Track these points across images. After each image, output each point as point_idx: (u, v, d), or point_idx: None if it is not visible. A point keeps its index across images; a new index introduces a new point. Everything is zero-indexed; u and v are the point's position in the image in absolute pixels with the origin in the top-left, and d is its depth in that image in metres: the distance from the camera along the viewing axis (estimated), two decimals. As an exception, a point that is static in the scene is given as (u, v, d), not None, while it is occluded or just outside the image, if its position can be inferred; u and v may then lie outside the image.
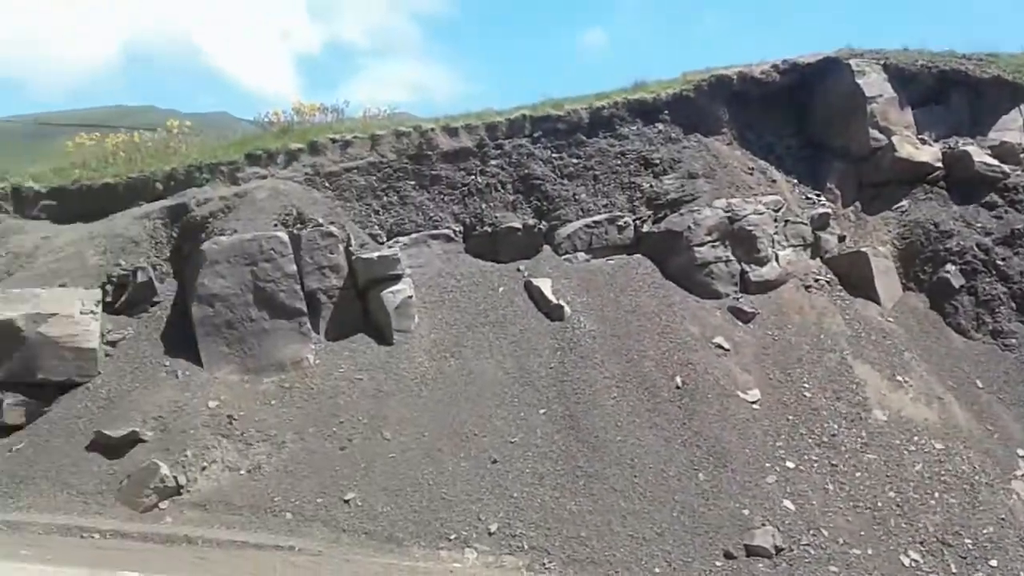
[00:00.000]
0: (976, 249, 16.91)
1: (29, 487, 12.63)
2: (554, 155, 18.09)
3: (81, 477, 12.71)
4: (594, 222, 17.47)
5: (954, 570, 12.15)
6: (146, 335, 14.99)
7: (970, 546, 12.43)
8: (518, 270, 16.91)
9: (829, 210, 18.00)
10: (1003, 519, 12.88)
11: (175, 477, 12.58)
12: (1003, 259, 16.72)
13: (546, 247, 17.39)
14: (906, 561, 12.22)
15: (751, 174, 18.29)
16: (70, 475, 12.75)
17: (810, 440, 13.94)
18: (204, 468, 12.87)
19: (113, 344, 14.76)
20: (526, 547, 12.09)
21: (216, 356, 14.62)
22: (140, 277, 15.54)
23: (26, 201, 17.47)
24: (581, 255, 17.28)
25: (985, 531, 12.65)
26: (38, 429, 13.62)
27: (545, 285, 16.35)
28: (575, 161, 18.07)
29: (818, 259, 17.52)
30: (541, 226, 17.53)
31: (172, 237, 16.28)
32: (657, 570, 11.88)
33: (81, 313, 14.61)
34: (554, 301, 16.03)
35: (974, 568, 12.19)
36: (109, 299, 15.33)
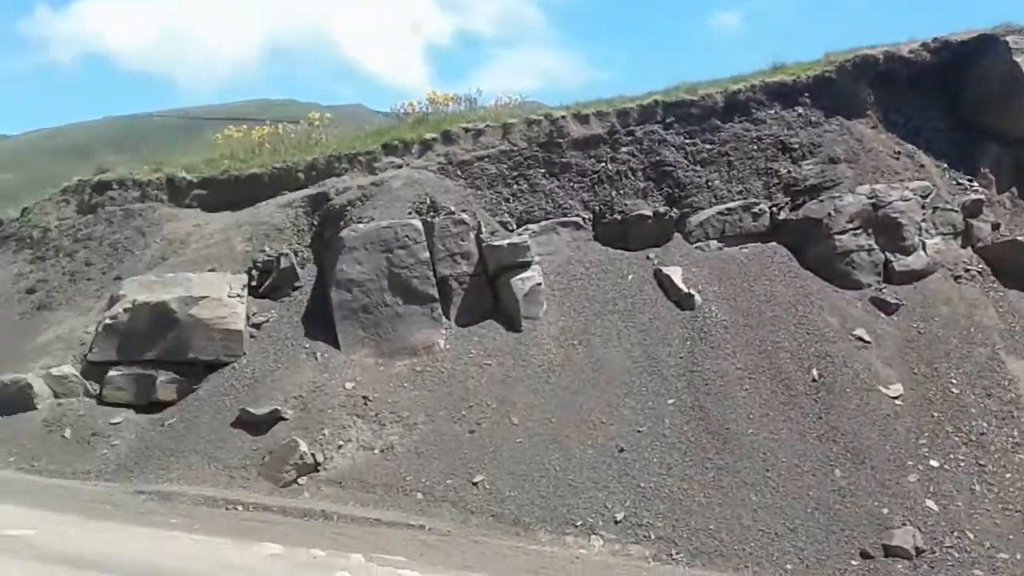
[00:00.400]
0: None
1: (179, 460, 13.49)
2: (687, 141, 17.75)
3: (227, 452, 13.46)
4: (728, 209, 17.00)
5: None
6: (288, 318, 15.71)
7: None
8: (648, 258, 16.69)
9: (983, 196, 16.86)
10: None
11: (313, 454, 13.14)
12: None
13: (677, 235, 17.05)
14: (1076, 567, 11.37)
15: (897, 158, 17.37)
16: (217, 450, 13.52)
17: (956, 438, 13.17)
18: (340, 447, 13.38)
19: (257, 326, 15.53)
20: (652, 537, 11.98)
21: (353, 339, 15.15)
22: (283, 263, 16.28)
23: (179, 191, 18.65)
24: (713, 243, 16.87)
25: None
26: (188, 405, 14.51)
27: (675, 273, 16.07)
28: (709, 147, 17.65)
29: (969, 248, 16.46)
30: (672, 213, 17.21)
31: (313, 225, 16.98)
32: (789, 566, 11.53)
33: (229, 296, 15.46)
34: (684, 290, 15.73)
35: None
36: (254, 283, 16.14)
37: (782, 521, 12.11)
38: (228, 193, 18.27)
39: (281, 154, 19.09)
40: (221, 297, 15.39)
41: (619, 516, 12.25)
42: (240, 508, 12.21)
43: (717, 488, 12.63)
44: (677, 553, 11.78)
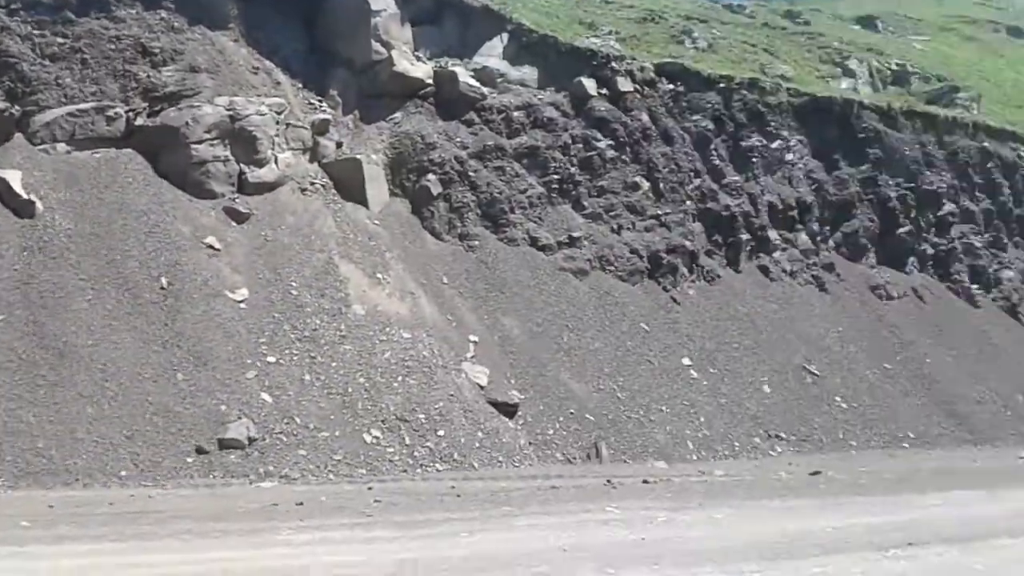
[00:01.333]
0: (454, 161, 18.51)
1: None
2: (35, 31, 16.22)
3: None
4: (79, 111, 16.00)
5: (408, 442, 13.54)
6: None
7: (423, 420, 13.90)
8: (-18, 160, 14.91)
9: (330, 117, 18.33)
10: (452, 395, 14.54)
11: None
12: (475, 171, 18.58)
13: (18, 135, 15.62)
14: (368, 438, 13.35)
15: (256, 74, 17.93)
16: None
17: (293, 336, 14.42)
18: None
19: None
20: (-30, 466, 10.98)
21: None
22: None
23: None
24: (61, 146, 15.80)
25: (437, 407, 14.19)
26: None
27: (14, 178, 14.79)
28: (60, 40, 16.30)
29: (316, 163, 17.86)
30: (14, 111, 15.66)
31: None
32: (123, 473, 11.60)
33: None
34: (24, 196, 14.60)
35: (425, 439, 13.69)
36: None
37: (119, 430, 12.08)
38: None
39: None
40: None
41: (-76, 451, 10.95)
42: None
43: (50, 405, 12.06)
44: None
